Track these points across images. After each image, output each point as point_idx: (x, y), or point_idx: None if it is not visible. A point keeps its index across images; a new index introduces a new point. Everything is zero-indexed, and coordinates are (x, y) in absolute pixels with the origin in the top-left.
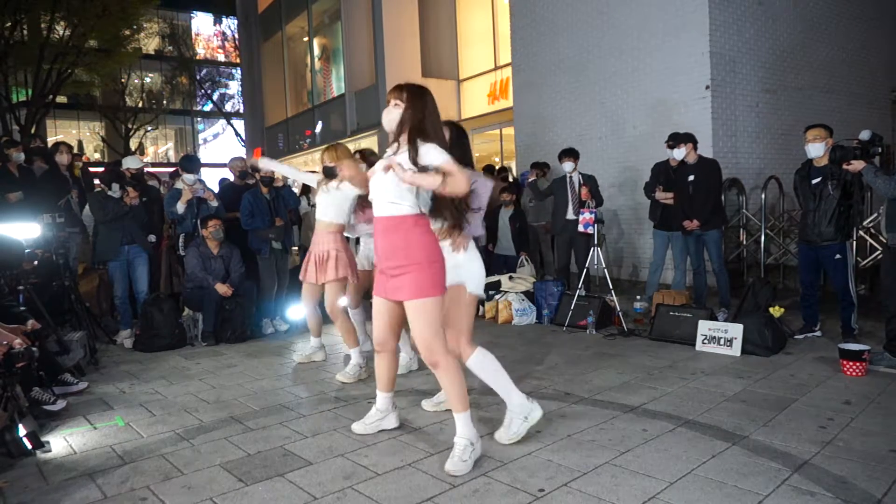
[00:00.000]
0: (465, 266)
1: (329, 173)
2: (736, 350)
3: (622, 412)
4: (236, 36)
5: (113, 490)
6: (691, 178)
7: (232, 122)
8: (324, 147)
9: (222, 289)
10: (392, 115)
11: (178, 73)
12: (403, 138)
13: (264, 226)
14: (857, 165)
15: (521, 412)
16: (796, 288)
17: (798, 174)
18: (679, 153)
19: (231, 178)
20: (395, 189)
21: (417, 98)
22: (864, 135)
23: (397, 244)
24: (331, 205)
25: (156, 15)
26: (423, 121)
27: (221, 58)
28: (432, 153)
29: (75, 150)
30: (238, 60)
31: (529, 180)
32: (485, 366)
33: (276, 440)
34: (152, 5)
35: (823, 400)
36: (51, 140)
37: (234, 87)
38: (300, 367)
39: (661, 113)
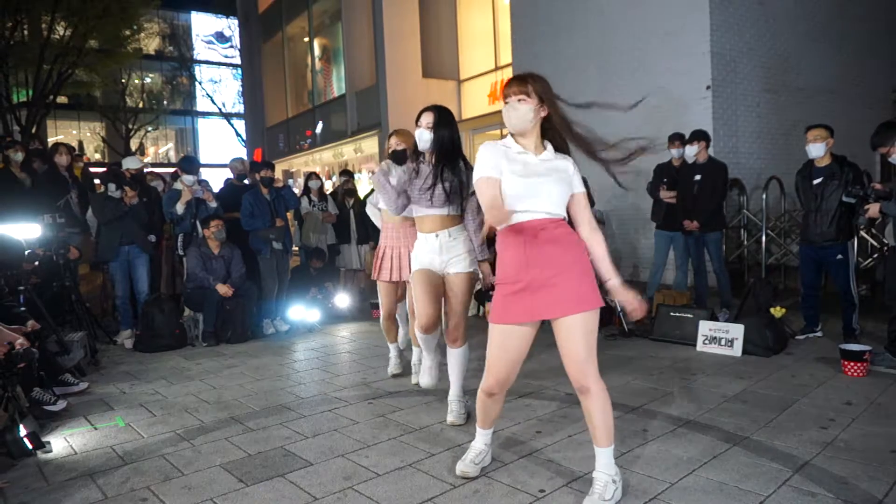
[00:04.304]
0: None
1: (398, 158)
2: (737, 350)
3: (623, 412)
4: (236, 36)
5: (113, 490)
6: (698, 177)
7: (232, 122)
8: (392, 131)
9: (223, 289)
10: (521, 111)
11: (179, 73)
12: (536, 135)
13: (265, 226)
14: (874, 209)
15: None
16: (797, 288)
17: (799, 174)
18: (691, 150)
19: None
20: (564, 193)
21: (547, 90)
22: (848, 199)
23: (563, 253)
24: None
25: (156, 15)
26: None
27: (221, 58)
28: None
29: (76, 151)
30: (238, 61)
31: None
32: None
33: (276, 440)
34: (153, 6)
35: (824, 400)
36: (51, 140)
37: (234, 87)
38: (301, 368)
39: (661, 113)
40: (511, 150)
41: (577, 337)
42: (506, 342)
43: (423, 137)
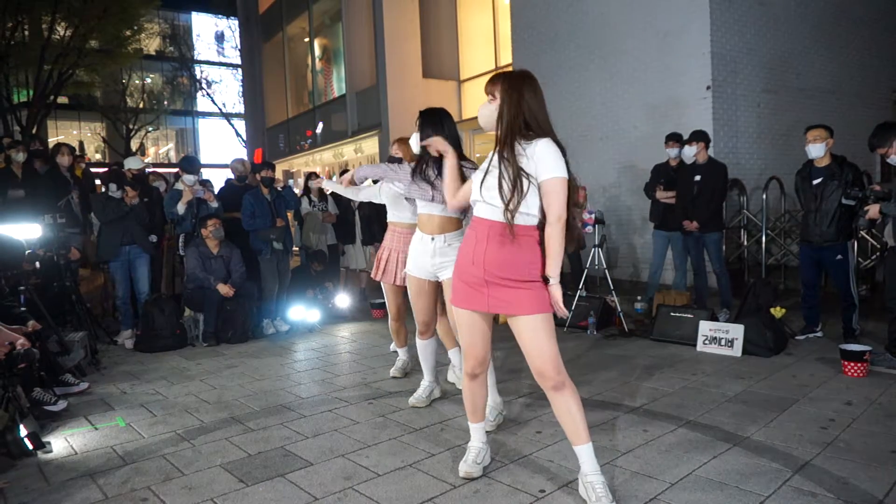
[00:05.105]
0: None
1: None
2: (737, 351)
3: (623, 413)
4: (236, 37)
5: (114, 490)
6: (698, 178)
7: (232, 122)
8: (396, 139)
9: (224, 289)
10: (488, 110)
11: (179, 73)
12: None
13: (265, 226)
14: (873, 210)
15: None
16: (797, 288)
17: (799, 175)
18: (690, 151)
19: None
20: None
21: (514, 90)
22: (847, 201)
23: (524, 257)
24: (406, 205)
25: (156, 15)
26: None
27: (221, 59)
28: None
29: (77, 152)
30: (238, 61)
31: None
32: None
33: (276, 441)
34: (153, 6)
35: (824, 401)
36: (52, 141)
37: (235, 87)
38: (301, 368)
39: (662, 113)
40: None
41: (543, 335)
42: (474, 324)
43: (415, 141)
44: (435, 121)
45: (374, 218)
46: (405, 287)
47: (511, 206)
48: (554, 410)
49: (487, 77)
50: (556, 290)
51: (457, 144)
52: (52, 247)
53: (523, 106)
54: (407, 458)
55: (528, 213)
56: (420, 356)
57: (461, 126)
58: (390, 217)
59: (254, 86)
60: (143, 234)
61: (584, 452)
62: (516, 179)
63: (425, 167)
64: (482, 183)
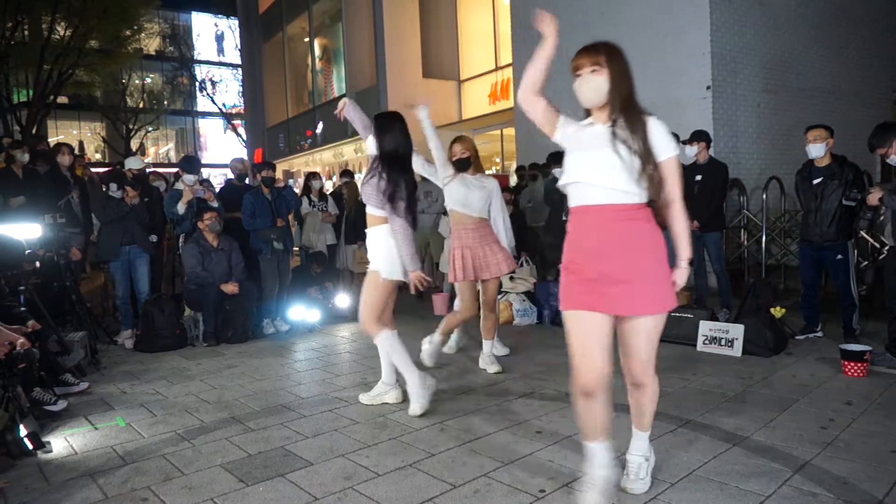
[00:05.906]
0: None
1: (463, 166)
2: (737, 351)
3: (623, 413)
4: (236, 37)
5: (114, 490)
6: (698, 177)
7: (232, 122)
8: (453, 139)
9: (229, 288)
10: (594, 83)
11: (179, 73)
12: (609, 109)
13: (266, 226)
14: (874, 195)
15: (417, 390)
16: (797, 288)
17: (799, 174)
18: (690, 150)
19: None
20: (628, 172)
21: (623, 59)
22: (848, 202)
23: (644, 242)
24: (476, 199)
25: (156, 15)
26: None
27: (221, 59)
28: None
29: (76, 152)
30: (238, 61)
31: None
32: (392, 345)
33: (276, 440)
34: (153, 6)
35: (825, 401)
36: (52, 140)
37: (235, 87)
38: (301, 368)
39: (661, 113)
40: (583, 121)
41: (643, 338)
42: (590, 329)
43: (369, 143)
44: (391, 126)
45: (361, 218)
46: (475, 282)
47: (645, 181)
48: (628, 395)
49: (487, 77)
50: (684, 273)
51: (408, 150)
52: (52, 247)
53: (632, 76)
54: (407, 458)
55: (636, 191)
56: (380, 353)
57: (462, 126)
58: (455, 209)
59: (254, 86)
60: (143, 233)
61: (638, 437)
62: (646, 152)
63: (382, 180)
64: (582, 162)
